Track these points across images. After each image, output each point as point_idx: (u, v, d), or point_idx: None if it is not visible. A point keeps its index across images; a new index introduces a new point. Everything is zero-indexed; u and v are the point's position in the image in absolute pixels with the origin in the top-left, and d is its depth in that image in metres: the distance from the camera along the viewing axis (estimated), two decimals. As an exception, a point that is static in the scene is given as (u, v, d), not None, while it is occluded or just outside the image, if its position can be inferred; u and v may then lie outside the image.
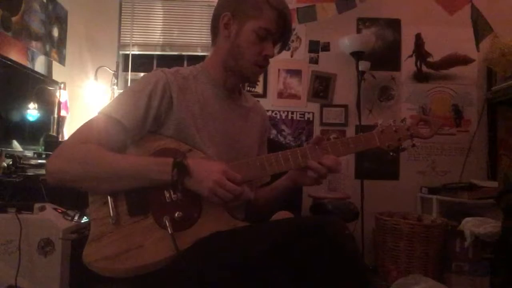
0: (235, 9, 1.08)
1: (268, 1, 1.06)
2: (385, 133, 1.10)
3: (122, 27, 3.20)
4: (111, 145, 0.98)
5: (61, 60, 2.88)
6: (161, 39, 3.21)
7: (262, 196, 1.23)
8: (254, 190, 1.19)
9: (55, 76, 2.71)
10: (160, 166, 0.93)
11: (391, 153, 1.12)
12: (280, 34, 1.10)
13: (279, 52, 1.16)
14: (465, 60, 3.06)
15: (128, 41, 3.17)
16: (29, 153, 2.15)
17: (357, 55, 2.86)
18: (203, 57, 3.03)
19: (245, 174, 1.00)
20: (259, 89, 3.08)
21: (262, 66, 1.11)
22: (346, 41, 2.86)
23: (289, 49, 3.09)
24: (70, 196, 1.59)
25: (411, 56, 3.10)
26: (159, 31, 3.21)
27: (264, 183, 1.25)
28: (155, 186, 0.95)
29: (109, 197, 0.94)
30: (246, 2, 1.08)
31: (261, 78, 3.03)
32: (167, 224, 0.91)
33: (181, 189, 0.93)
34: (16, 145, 2.11)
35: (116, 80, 2.98)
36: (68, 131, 2.64)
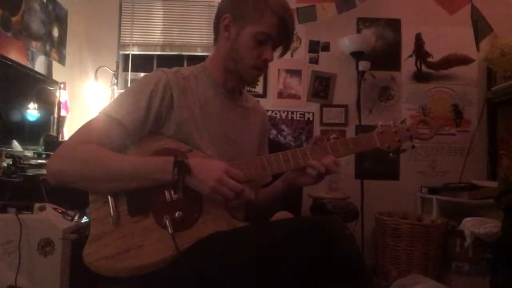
0: (236, 12, 1.07)
1: (269, 5, 1.05)
2: (385, 134, 1.10)
3: (122, 27, 3.20)
4: (112, 145, 0.98)
5: (61, 60, 2.88)
6: (161, 39, 3.21)
7: (261, 196, 1.23)
8: (254, 190, 1.19)
9: (55, 76, 2.72)
10: (161, 166, 0.94)
11: (390, 154, 1.12)
12: (280, 39, 1.09)
13: (281, 56, 1.16)
14: (465, 60, 3.06)
15: (128, 41, 3.17)
16: (29, 153, 2.15)
17: (357, 55, 2.86)
18: (203, 57, 3.05)
19: (246, 174, 1.00)
20: (259, 89, 3.08)
21: (260, 69, 1.11)
22: (346, 41, 2.86)
23: (289, 49, 3.09)
24: (70, 196, 1.59)
25: (411, 56, 3.10)
26: (159, 31, 3.21)
27: (265, 184, 1.25)
28: (156, 186, 0.95)
29: (109, 197, 0.94)
30: (247, 5, 1.06)
31: (261, 78, 3.03)
32: (168, 224, 0.91)
33: (182, 188, 0.93)
34: (16, 145, 2.11)
35: (116, 80, 2.98)
36: (68, 131, 2.64)
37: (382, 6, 3.09)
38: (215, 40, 1.15)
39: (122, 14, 3.21)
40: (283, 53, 1.15)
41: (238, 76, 1.11)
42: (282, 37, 1.09)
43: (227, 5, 1.10)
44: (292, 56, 3.11)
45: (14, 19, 2.28)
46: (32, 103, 2.25)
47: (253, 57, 1.07)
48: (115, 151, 0.97)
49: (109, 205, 0.93)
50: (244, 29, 1.06)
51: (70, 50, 2.98)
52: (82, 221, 1.59)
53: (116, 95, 2.85)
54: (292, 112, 3.11)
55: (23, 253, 1.45)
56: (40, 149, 2.25)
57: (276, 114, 3.10)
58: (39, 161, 2.01)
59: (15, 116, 2.18)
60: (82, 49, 3.10)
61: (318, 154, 1.06)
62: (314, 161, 1.04)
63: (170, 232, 0.90)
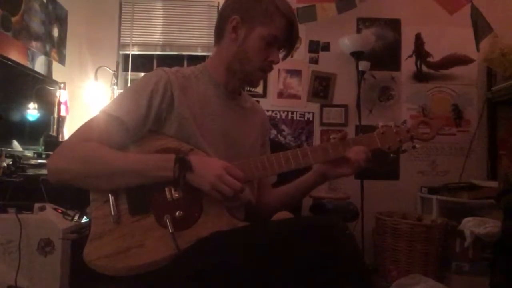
0: (245, 14, 1.08)
1: (278, 8, 1.06)
2: (385, 134, 1.11)
3: (122, 27, 3.20)
4: (112, 143, 0.98)
5: (61, 60, 2.87)
6: (161, 39, 3.21)
7: (284, 193, 1.23)
8: (255, 192, 1.19)
9: (55, 76, 2.71)
10: (162, 163, 0.94)
11: (391, 155, 1.13)
12: (286, 42, 1.11)
13: (283, 59, 1.16)
14: (465, 60, 3.06)
15: (128, 41, 3.17)
16: (29, 153, 2.15)
17: (357, 55, 2.86)
18: (203, 57, 3.05)
19: (246, 174, 1.00)
20: (259, 89, 3.08)
21: (266, 71, 1.13)
22: (346, 41, 2.86)
23: (291, 52, 3.09)
24: (70, 196, 1.59)
25: (411, 56, 3.11)
26: (159, 31, 3.21)
27: (282, 181, 1.25)
28: (156, 184, 0.95)
29: (110, 196, 0.94)
30: (256, 7, 1.07)
31: (261, 78, 3.03)
32: (168, 223, 0.91)
33: (183, 185, 0.93)
34: (16, 145, 2.11)
35: (116, 80, 2.98)
36: (68, 131, 2.64)
37: (382, 6, 3.10)
38: (217, 41, 1.15)
39: (122, 14, 3.21)
40: (285, 56, 1.16)
41: (243, 77, 1.12)
42: (289, 40, 1.11)
43: (234, 6, 1.10)
44: (292, 56, 3.10)
45: (14, 19, 2.27)
46: (32, 103, 2.24)
47: (260, 59, 1.08)
48: (115, 149, 0.97)
49: (109, 204, 0.93)
50: (253, 31, 1.07)
51: (70, 50, 2.98)
52: (82, 221, 1.58)
53: (116, 95, 2.85)
54: (292, 112, 3.11)
55: (23, 253, 1.45)
56: (40, 149, 2.25)
57: (276, 114, 3.10)
58: (39, 161, 2.00)
59: (15, 116, 2.18)
60: (82, 49, 3.10)
61: (318, 154, 1.07)
62: (352, 155, 1.06)
63: (170, 231, 0.90)
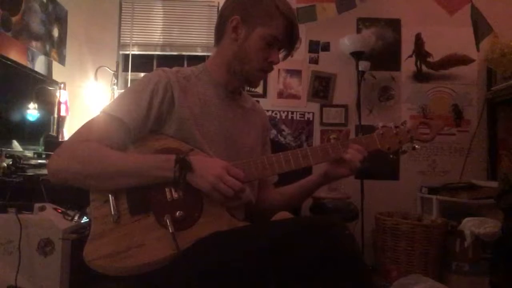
0: (245, 14, 1.08)
1: (279, 8, 1.06)
2: (385, 136, 1.11)
3: (122, 27, 3.20)
4: (113, 143, 0.98)
5: (61, 60, 2.87)
6: (161, 39, 3.21)
7: (286, 193, 1.23)
8: (256, 192, 1.19)
9: (55, 76, 2.71)
10: (162, 163, 0.94)
11: (391, 156, 1.12)
12: (286, 43, 1.11)
13: (284, 59, 1.17)
14: (465, 60, 3.06)
15: (128, 41, 3.17)
16: (29, 153, 2.15)
17: (357, 55, 2.86)
18: (203, 57, 3.05)
19: (246, 174, 1.00)
20: (259, 89, 3.08)
21: (266, 71, 1.13)
22: (346, 41, 2.86)
23: (292, 53, 3.09)
24: (70, 196, 1.59)
25: (411, 56, 3.11)
26: (159, 31, 3.21)
27: (285, 181, 1.26)
28: (157, 184, 0.95)
29: (110, 196, 0.94)
30: (256, 7, 1.07)
31: (261, 78, 3.03)
32: (168, 223, 0.91)
33: (183, 185, 0.93)
34: (16, 145, 2.11)
35: (116, 80, 2.98)
36: (68, 131, 2.64)
37: (382, 6, 3.10)
38: (218, 41, 1.15)
39: (122, 14, 3.21)
40: (286, 57, 1.16)
41: (243, 77, 1.12)
42: (289, 41, 1.11)
43: (235, 6, 1.10)
44: (292, 56, 3.09)
45: (14, 19, 2.27)
46: (32, 103, 2.24)
47: (260, 59, 1.08)
48: (115, 149, 0.98)
49: (109, 204, 0.93)
50: (253, 31, 1.07)
51: (70, 50, 2.98)
52: (82, 221, 1.59)
53: (116, 95, 2.85)
54: (292, 112, 3.11)
55: (23, 253, 1.45)
56: (40, 149, 2.25)
57: (276, 114, 3.10)
58: (39, 161, 2.01)
59: (15, 116, 2.18)
60: (82, 49, 3.10)
61: (318, 154, 1.07)
62: (348, 155, 1.06)
63: (170, 231, 0.90)
